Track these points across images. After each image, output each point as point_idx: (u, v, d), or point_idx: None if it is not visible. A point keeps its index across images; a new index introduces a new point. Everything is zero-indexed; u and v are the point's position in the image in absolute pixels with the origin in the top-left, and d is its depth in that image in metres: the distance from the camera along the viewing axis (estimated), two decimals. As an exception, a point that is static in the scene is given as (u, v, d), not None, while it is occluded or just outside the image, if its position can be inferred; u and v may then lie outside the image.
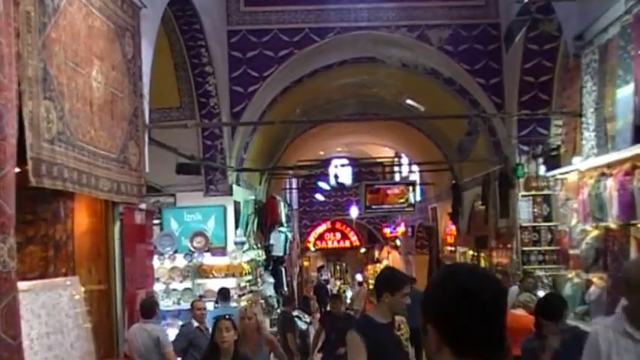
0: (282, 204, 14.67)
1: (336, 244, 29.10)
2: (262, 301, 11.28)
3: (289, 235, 15.03)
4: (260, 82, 10.34)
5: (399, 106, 13.79)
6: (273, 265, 13.32)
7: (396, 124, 14.87)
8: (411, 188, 14.97)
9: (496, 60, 10.42)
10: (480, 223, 12.43)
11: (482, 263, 13.25)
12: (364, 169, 22.24)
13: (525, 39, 8.99)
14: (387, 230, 25.20)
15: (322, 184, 22.39)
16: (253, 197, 12.28)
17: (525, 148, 10.04)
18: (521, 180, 10.08)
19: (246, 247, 10.29)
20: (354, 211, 23.46)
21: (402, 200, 14.75)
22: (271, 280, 12.48)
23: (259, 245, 12.07)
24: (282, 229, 14.06)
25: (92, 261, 5.44)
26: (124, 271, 5.79)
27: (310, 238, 28.24)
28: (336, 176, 16.14)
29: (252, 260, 10.64)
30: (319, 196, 25.69)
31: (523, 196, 10.03)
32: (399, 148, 20.30)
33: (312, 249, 28.85)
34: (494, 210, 11.33)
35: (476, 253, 13.70)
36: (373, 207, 15.04)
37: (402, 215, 21.72)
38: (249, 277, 10.29)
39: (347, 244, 29.18)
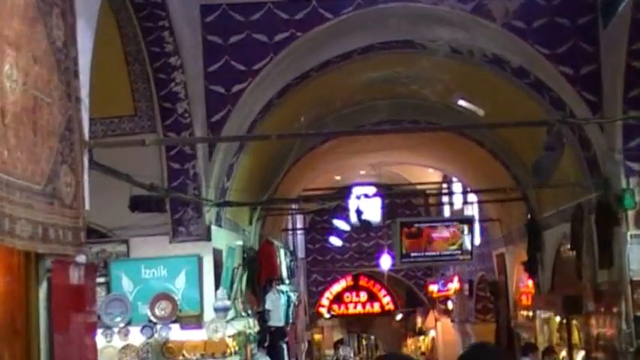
0: (282, 252, 14.79)
1: (360, 309, 29.24)
2: (256, 393, 11.37)
3: (293, 297, 15.12)
4: (248, 79, 10.41)
5: (448, 109, 13.87)
6: (270, 339, 13.36)
7: (444, 136, 14.93)
8: (466, 227, 15.24)
9: (590, 40, 10.34)
10: (570, 277, 12.39)
11: (575, 335, 13.21)
12: (399, 200, 22.48)
13: (633, 7, 8.94)
14: (433, 288, 25.36)
15: (339, 223, 22.82)
16: (241, 243, 12.40)
17: (635, 166, 10.05)
18: (631, 213, 10.08)
19: (231, 314, 10.35)
20: (385, 262, 23.47)
21: (454, 245, 15.09)
22: (268, 361, 12.63)
23: (250, 312, 12.03)
24: (282, 287, 14.20)
25: (6, 340, 5.35)
26: (52, 353, 5.68)
27: (324, 300, 28.37)
28: (358, 211, 15.92)
29: (239, 334, 10.68)
30: (335, 240, 26.07)
31: (634, 236, 10.01)
32: (449, 170, 20.46)
33: (327, 316, 28.92)
34: (590, 257, 11.29)
35: (564, 320, 13.59)
36: (413, 255, 15.24)
37: (454, 266, 22.08)
38: (237, 359, 10.26)
39: (376, 308, 29.33)
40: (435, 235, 14.95)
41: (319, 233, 25.54)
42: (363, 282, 28.83)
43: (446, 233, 15.00)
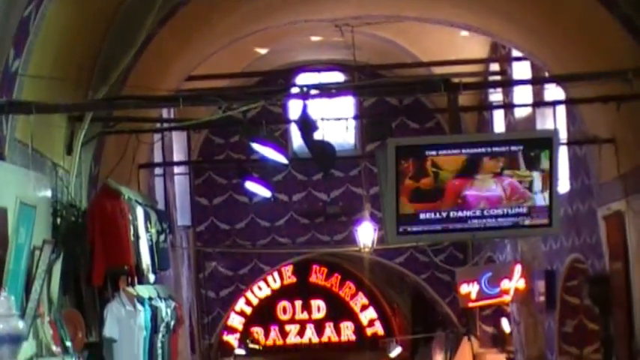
0: (139, 213, 12.74)
1: (311, 336, 24.81)
2: None
3: (166, 311, 12.99)
4: None
5: None
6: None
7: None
8: (542, 159, 11.45)
9: None
10: None
11: None
12: (394, 100, 21.22)
13: None
14: (468, 290, 20.87)
15: (265, 151, 17.84)
16: (49, 194, 11.05)
17: None
18: None
19: (27, 350, 9.53)
20: (366, 234, 20.05)
21: (514, 200, 11.60)
22: None
23: (71, 346, 10.77)
24: (142, 291, 12.35)
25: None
26: None
27: (234, 319, 24.03)
28: (306, 123, 12.67)
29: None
30: (257, 188, 19.85)
31: None
32: (504, 34, 16.77)
33: (241, 352, 24.03)
34: None
35: None
36: (424, 218, 11.74)
37: (515, 245, 19.77)
38: None
39: (347, 333, 24.94)
40: (472, 177, 11.38)
41: (222, 173, 21.70)
42: (318, 278, 25.17)
43: (513, 178, 11.51)
